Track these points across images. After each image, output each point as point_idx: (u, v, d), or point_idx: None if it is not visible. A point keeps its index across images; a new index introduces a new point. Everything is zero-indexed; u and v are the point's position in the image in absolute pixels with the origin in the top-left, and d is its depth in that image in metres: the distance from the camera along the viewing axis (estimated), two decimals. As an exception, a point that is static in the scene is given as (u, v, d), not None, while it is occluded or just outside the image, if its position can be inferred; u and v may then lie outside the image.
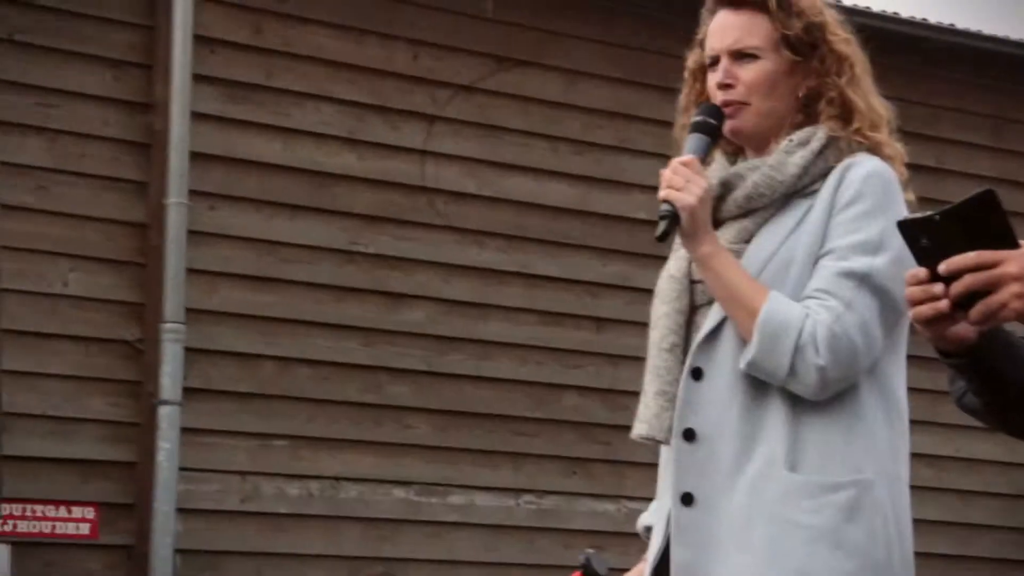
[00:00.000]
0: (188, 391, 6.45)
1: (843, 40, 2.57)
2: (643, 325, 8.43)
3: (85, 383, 6.37)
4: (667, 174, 2.49)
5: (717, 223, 2.53)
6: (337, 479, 6.77)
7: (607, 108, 7.46)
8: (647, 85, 7.40)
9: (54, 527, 6.28)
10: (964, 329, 1.91)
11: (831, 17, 2.58)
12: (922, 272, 1.88)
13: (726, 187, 2.55)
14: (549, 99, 7.36)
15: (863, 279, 2.40)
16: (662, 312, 2.57)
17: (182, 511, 6.40)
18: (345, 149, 6.91)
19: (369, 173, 6.94)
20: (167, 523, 6.32)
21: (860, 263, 2.40)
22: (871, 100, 2.56)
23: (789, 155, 2.51)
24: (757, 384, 2.44)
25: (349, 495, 6.80)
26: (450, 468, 6.97)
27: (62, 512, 6.29)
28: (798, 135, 2.53)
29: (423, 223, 7.04)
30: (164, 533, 6.31)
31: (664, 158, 8.60)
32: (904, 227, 1.89)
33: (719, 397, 2.47)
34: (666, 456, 2.60)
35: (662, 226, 2.46)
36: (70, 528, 6.31)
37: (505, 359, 7.14)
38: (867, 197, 2.44)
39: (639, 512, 8.73)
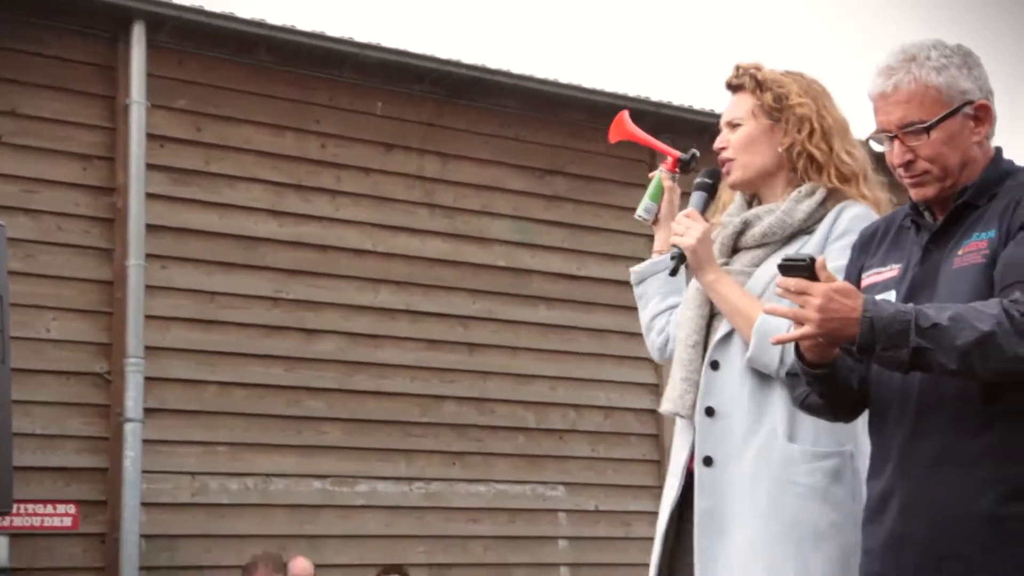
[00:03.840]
0: (148, 411, 6.41)
1: (801, 104, 2.54)
2: (507, 349, 8.55)
3: (65, 407, 6.31)
4: (673, 225, 2.54)
5: (737, 250, 2.56)
6: (268, 475, 6.72)
7: (473, 182, 7.53)
8: (505, 164, 7.66)
9: (43, 521, 6.27)
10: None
11: (795, 87, 2.56)
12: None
13: (747, 224, 2.55)
14: (428, 176, 7.40)
15: None
16: (688, 316, 2.55)
17: (145, 505, 6.39)
18: (269, 219, 6.88)
19: (288, 237, 6.92)
20: (134, 515, 6.32)
21: None
22: (840, 154, 2.53)
23: (798, 203, 2.51)
24: (762, 376, 2.44)
25: (278, 487, 6.76)
26: (357, 463, 6.93)
27: (49, 509, 6.28)
28: (805, 188, 2.53)
29: (331, 274, 7.01)
30: (131, 523, 6.31)
31: (521, 219, 8.35)
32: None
33: (732, 383, 2.45)
34: (680, 429, 2.56)
35: (672, 264, 2.53)
36: (55, 522, 6.29)
37: (398, 378, 7.11)
38: (852, 232, 2.41)
39: (507, 492, 8.80)
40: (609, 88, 7.76)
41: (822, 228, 2.49)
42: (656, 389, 7.92)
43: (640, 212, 2.68)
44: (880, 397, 2.13)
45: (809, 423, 2.40)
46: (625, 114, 2.79)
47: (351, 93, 7.15)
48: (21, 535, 6.21)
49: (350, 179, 7.19)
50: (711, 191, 2.61)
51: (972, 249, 2.06)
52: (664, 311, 2.69)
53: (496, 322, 7.53)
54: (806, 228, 2.51)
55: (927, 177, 2.11)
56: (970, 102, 2.11)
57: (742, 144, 2.55)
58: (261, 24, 6.78)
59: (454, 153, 7.53)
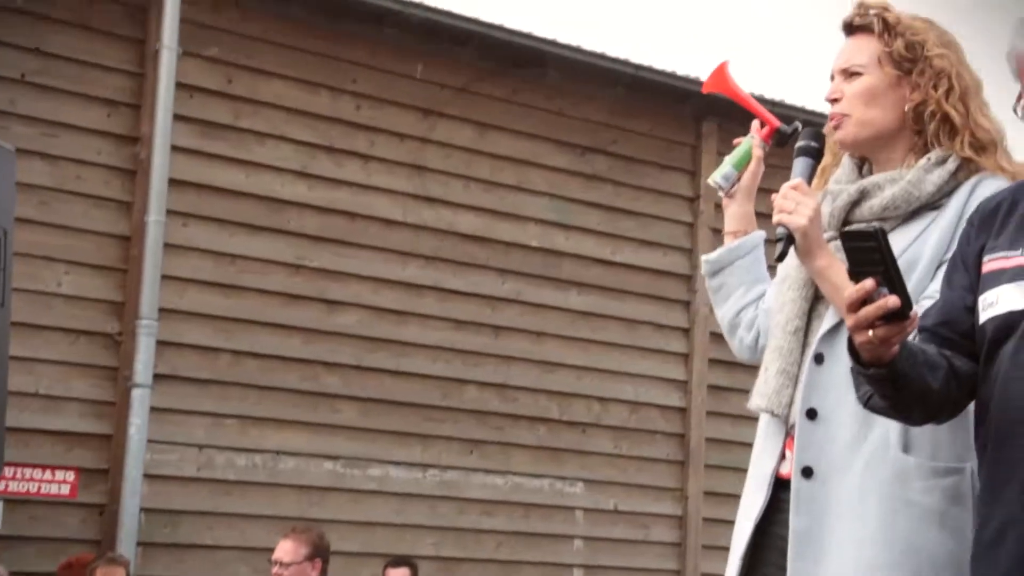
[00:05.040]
0: (157, 376, 6.36)
1: (940, 55, 2.28)
2: (533, 333, 8.50)
3: (72, 368, 6.25)
4: (778, 200, 2.23)
5: (848, 223, 2.28)
6: (277, 453, 6.70)
7: (510, 155, 7.46)
8: (542, 137, 7.57)
9: (39, 487, 6.18)
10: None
11: (933, 36, 2.30)
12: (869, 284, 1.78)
13: (863, 194, 2.28)
14: (464, 145, 7.34)
15: None
16: (789, 298, 2.30)
17: (148, 476, 6.34)
18: (297, 181, 6.82)
19: (316, 201, 6.86)
20: (135, 486, 6.26)
21: None
22: (977, 117, 2.28)
23: (927, 173, 2.24)
24: None
25: (287, 466, 6.75)
26: (371, 446, 6.90)
27: (47, 475, 6.19)
28: (935, 155, 2.26)
29: (358, 243, 6.98)
30: (132, 495, 6.25)
31: (555, 198, 8.28)
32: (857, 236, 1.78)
33: (839, 382, 2.19)
34: (768, 429, 2.31)
35: (780, 247, 2.24)
36: (53, 488, 6.21)
37: (419, 358, 7.07)
38: None
39: (524, 486, 8.71)
40: (659, 65, 7.68)
41: (954, 204, 2.22)
42: (684, 386, 7.83)
43: (717, 178, 2.43)
44: (1008, 404, 1.87)
45: (927, 433, 2.16)
46: (727, 64, 2.49)
47: (390, 53, 7.08)
48: (16, 501, 6.13)
49: (384, 144, 7.13)
50: (818, 157, 2.32)
51: None
52: (751, 303, 2.45)
53: (524, 305, 7.48)
54: (934, 203, 2.24)
55: None
56: None
57: (862, 96, 2.26)
58: (303, -27, 6.77)
59: (493, 124, 7.47)
